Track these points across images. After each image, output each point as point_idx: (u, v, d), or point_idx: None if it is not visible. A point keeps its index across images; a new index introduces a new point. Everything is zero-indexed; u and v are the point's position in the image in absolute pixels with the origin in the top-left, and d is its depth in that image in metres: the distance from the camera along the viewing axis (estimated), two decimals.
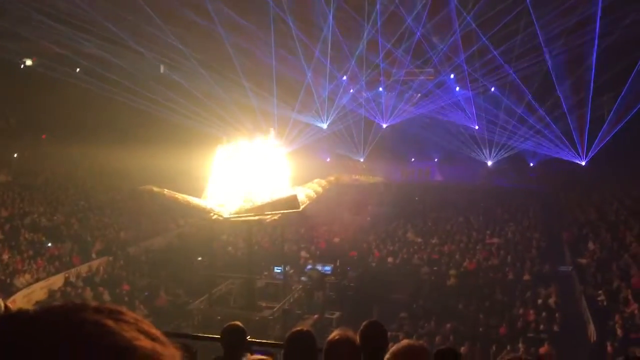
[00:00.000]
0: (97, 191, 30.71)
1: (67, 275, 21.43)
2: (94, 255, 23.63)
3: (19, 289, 19.37)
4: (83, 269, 22.39)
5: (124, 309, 0.74)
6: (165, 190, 19.57)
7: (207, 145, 19.34)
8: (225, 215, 18.16)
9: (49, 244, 23.50)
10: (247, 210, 18.30)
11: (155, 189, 19.70)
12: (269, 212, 18.67)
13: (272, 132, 20.50)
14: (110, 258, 23.68)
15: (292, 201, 18.56)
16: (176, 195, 19.15)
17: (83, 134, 32.64)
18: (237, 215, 18.28)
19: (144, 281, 21.82)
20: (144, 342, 0.69)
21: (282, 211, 18.95)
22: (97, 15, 30.17)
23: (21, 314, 0.69)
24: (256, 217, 18.69)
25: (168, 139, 31.84)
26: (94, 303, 0.74)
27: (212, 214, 18.49)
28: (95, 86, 32.87)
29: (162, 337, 0.73)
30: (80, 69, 35.35)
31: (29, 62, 36.73)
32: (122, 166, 32.73)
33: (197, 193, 19.28)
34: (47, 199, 28.39)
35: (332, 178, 21.73)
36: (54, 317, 0.68)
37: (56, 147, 33.79)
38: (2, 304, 3.13)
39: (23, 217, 25.20)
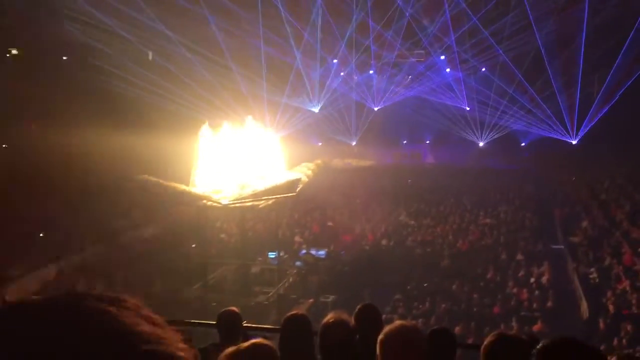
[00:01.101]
0: (88, 179, 30.51)
1: (59, 265, 21.36)
2: (86, 245, 23.54)
3: (12, 280, 19.30)
4: (76, 259, 22.32)
5: (125, 296, 0.78)
6: (161, 180, 19.48)
7: (197, 131, 19.20)
8: (224, 202, 18.10)
9: (41, 235, 23.37)
10: (248, 197, 18.28)
11: (151, 178, 19.58)
12: (266, 198, 18.66)
13: (267, 122, 20.31)
14: (103, 247, 23.60)
15: (294, 185, 18.63)
16: (171, 184, 19.07)
17: (72, 122, 32.30)
18: (236, 201, 18.23)
19: (138, 269, 21.79)
20: (145, 327, 0.72)
21: (279, 196, 18.94)
22: (83, 2, 29.81)
23: (25, 303, 0.72)
24: (252, 203, 18.65)
25: (158, 126, 31.62)
26: (94, 291, 0.77)
27: (209, 202, 18.42)
28: (83, 74, 32.55)
29: (163, 323, 0.77)
30: (66, 57, 34.99)
31: (14, 51, 36.31)
32: (112, 153, 32.53)
33: (186, 180, 19.17)
34: (38, 189, 28.17)
35: (319, 161, 21.64)
36: (57, 306, 0.71)
37: (45, 137, 33.50)
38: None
39: (14, 207, 25.00)
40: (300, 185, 19.66)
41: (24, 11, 29.17)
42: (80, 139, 32.50)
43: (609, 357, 2.53)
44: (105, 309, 0.72)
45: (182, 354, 0.74)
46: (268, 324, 8.10)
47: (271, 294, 18.39)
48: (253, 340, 2.75)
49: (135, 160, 29.55)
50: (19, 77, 34.23)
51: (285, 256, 21.80)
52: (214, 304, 16.16)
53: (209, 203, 18.50)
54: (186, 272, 21.20)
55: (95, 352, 0.66)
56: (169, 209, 28.06)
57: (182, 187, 18.78)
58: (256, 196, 18.37)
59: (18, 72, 34.62)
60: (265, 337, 5.05)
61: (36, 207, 25.66)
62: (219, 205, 18.31)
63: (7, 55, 35.94)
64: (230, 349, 2.66)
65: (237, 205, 18.41)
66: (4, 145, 34.73)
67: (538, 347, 2.29)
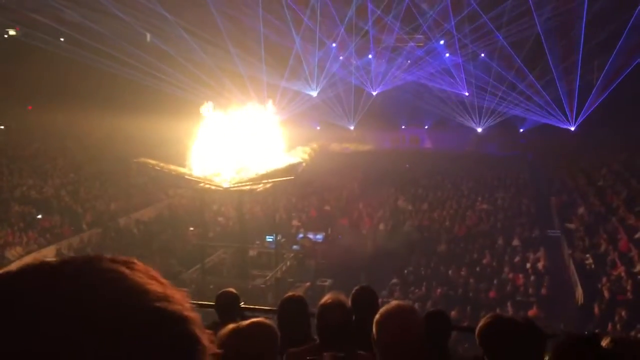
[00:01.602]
0: (86, 162, 30.49)
1: (58, 247, 21.41)
2: (84, 227, 23.58)
3: (10, 262, 19.34)
4: (74, 240, 22.37)
5: (135, 259, 0.83)
6: (161, 163, 19.42)
7: (195, 114, 19.14)
8: (225, 185, 18.10)
9: (40, 216, 23.41)
10: (249, 180, 18.29)
11: (151, 161, 19.54)
12: (266, 181, 18.67)
13: (270, 103, 20.22)
14: (101, 229, 23.66)
15: (295, 169, 18.68)
16: (171, 167, 19.04)
17: (70, 104, 32.20)
18: (238, 185, 18.23)
19: (136, 252, 21.85)
20: (156, 287, 0.77)
21: (279, 179, 18.97)
22: None
23: (43, 264, 0.77)
24: (252, 187, 18.65)
25: (156, 108, 31.54)
26: (108, 255, 0.82)
27: (210, 185, 18.40)
28: (80, 56, 32.37)
29: (170, 285, 0.82)
30: (64, 38, 34.76)
31: (12, 32, 36.08)
32: (111, 136, 32.50)
33: (183, 162, 19.11)
34: (36, 171, 28.17)
35: (315, 145, 21.58)
36: (74, 266, 0.76)
37: (43, 118, 33.42)
38: None
39: (12, 190, 25.04)
40: (301, 169, 19.72)
41: None
42: (78, 120, 32.46)
43: (603, 338, 2.57)
44: (119, 269, 0.77)
45: (189, 313, 0.78)
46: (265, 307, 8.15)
47: (268, 277, 18.47)
48: (253, 319, 2.79)
49: (133, 142, 29.55)
50: (16, 58, 34.06)
51: (283, 240, 21.86)
52: (212, 286, 16.24)
53: (209, 186, 18.49)
54: (184, 254, 21.28)
55: (110, 308, 0.71)
56: (167, 191, 28.09)
57: (182, 169, 18.74)
58: (257, 179, 18.38)
59: (15, 53, 34.44)
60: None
61: (34, 189, 25.67)
62: (220, 188, 18.31)
63: (5, 36, 35.70)
64: (231, 326, 2.70)
65: (238, 188, 18.40)
66: (1, 127, 34.64)
67: (556, 344, 2.34)
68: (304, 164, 20.44)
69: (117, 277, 0.75)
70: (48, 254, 20.84)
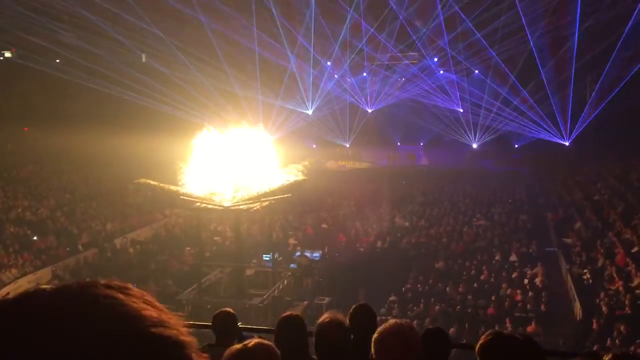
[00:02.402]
0: (81, 183, 30.43)
1: (54, 268, 21.27)
2: (80, 248, 23.45)
3: (5, 284, 19.20)
4: (70, 261, 22.24)
5: (130, 285, 0.83)
6: (160, 183, 19.39)
7: (191, 134, 19.17)
8: (226, 204, 18.06)
9: (35, 238, 23.29)
10: (250, 199, 18.32)
11: (151, 182, 19.48)
12: (265, 199, 18.69)
13: (261, 126, 20.32)
14: (97, 250, 23.54)
15: (300, 185, 18.80)
16: (170, 187, 18.99)
17: (65, 125, 32.23)
18: (239, 203, 18.23)
19: (132, 272, 21.72)
20: (152, 312, 0.78)
21: (279, 197, 19.00)
22: (75, 4, 29.75)
23: (40, 291, 0.78)
24: (251, 205, 18.64)
25: (151, 128, 31.58)
26: (103, 280, 0.82)
27: (210, 205, 18.35)
28: (76, 77, 32.49)
29: (166, 309, 0.82)
30: (60, 60, 34.91)
31: (7, 54, 36.20)
32: (107, 156, 32.47)
33: (180, 182, 19.10)
34: (31, 193, 28.09)
35: (307, 163, 21.53)
36: (70, 293, 0.77)
37: (38, 139, 33.42)
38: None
39: (7, 211, 24.93)
40: (305, 186, 19.88)
41: (17, 14, 29.04)
42: (73, 141, 32.43)
43: (604, 355, 2.56)
44: (114, 294, 0.77)
45: (185, 337, 0.78)
46: (263, 326, 8.10)
47: (266, 296, 18.36)
48: (257, 340, 2.77)
49: (129, 162, 29.53)
50: (11, 80, 34.16)
51: (280, 258, 21.78)
52: (209, 306, 16.14)
53: (209, 206, 18.45)
54: (180, 274, 21.16)
55: (105, 334, 0.71)
56: (164, 211, 28.01)
57: (181, 189, 18.70)
58: (258, 198, 18.43)
59: (11, 75, 34.53)
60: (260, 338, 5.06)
61: (29, 210, 25.57)
62: (221, 207, 18.28)
63: (1, 58, 35.82)
64: (236, 347, 2.69)
65: (238, 207, 18.39)
66: None
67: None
68: (305, 181, 20.54)
69: (113, 303, 0.75)
70: (43, 276, 20.70)
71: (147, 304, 0.79)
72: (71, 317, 0.72)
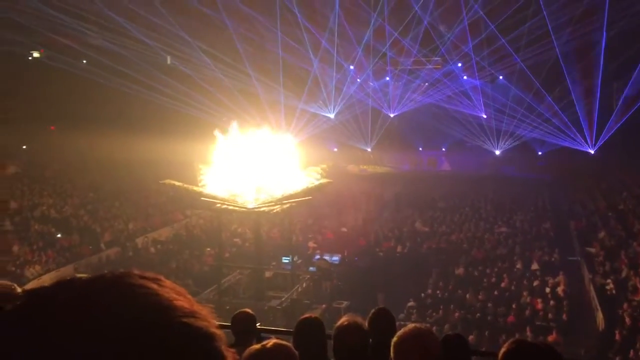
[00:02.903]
0: (105, 182, 30.83)
1: (76, 266, 21.57)
2: (103, 246, 23.76)
3: (29, 280, 19.52)
4: (93, 259, 22.54)
5: (162, 276, 0.84)
6: (185, 184, 19.55)
7: (213, 136, 19.32)
8: (250, 206, 18.15)
9: (59, 235, 23.65)
10: (274, 200, 18.43)
11: (176, 182, 19.64)
12: (289, 201, 18.77)
13: (283, 129, 20.49)
14: (119, 249, 23.82)
15: (325, 187, 18.93)
16: (195, 188, 19.13)
17: (91, 125, 32.70)
18: (263, 205, 18.33)
19: (153, 271, 21.87)
20: (184, 303, 0.79)
21: (299, 199, 19.07)
22: (103, 6, 30.20)
23: (76, 279, 0.79)
24: (271, 207, 18.72)
25: (175, 129, 31.89)
26: (137, 271, 0.84)
27: (234, 206, 18.44)
28: (102, 77, 32.95)
29: (196, 301, 0.83)
30: (87, 61, 35.43)
31: (36, 54, 36.87)
32: (131, 157, 32.83)
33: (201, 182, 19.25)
34: (56, 191, 28.54)
35: (325, 166, 21.45)
36: (105, 282, 0.79)
37: (64, 139, 33.92)
38: (19, 289, 3.18)
39: (33, 209, 25.36)
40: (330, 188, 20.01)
41: (46, 15, 29.57)
42: (98, 141, 32.88)
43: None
44: (148, 284, 0.79)
45: (215, 330, 0.80)
46: (282, 328, 8.11)
47: (284, 298, 18.41)
48: (275, 340, 2.79)
49: (152, 162, 29.81)
50: (39, 80, 34.75)
51: (299, 261, 21.81)
52: (228, 307, 16.21)
53: (233, 207, 18.54)
54: (200, 275, 21.30)
55: (139, 322, 0.73)
56: (185, 211, 28.24)
57: (206, 191, 18.80)
58: (283, 200, 18.54)
59: (39, 75, 35.13)
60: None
61: (54, 208, 25.98)
62: (244, 209, 18.36)
63: (29, 58, 36.47)
64: (255, 347, 2.71)
65: (261, 209, 18.49)
66: (24, 147, 35.22)
67: None
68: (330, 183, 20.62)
69: (146, 293, 0.77)
70: (66, 273, 20.99)
71: (179, 295, 0.80)
72: (106, 305, 0.74)
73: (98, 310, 0.73)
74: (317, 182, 19.62)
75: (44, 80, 34.72)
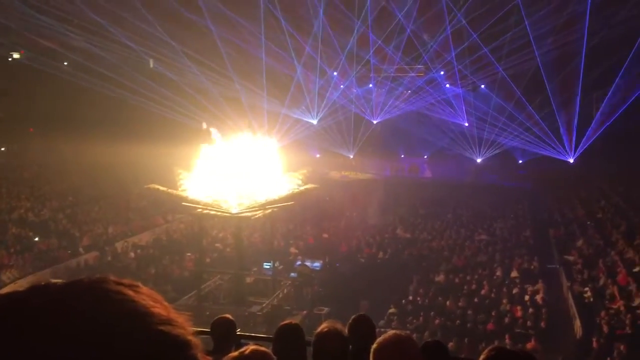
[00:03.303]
0: (85, 186, 30.49)
1: (54, 270, 21.23)
2: (81, 251, 23.45)
3: (5, 284, 19.19)
4: (71, 264, 22.23)
5: (139, 283, 0.83)
6: (169, 189, 19.40)
7: (196, 140, 19.25)
8: (234, 211, 18.04)
9: (37, 239, 23.30)
10: (258, 205, 18.37)
11: (160, 187, 19.47)
12: (272, 206, 18.74)
13: (266, 133, 20.51)
14: (98, 253, 23.53)
15: (310, 192, 18.90)
16: (179, 193, 19.01)
17: (71, 127, 32.37)
18: (247, 210, 18.25)
19: (132, 277, 21.66)
20: (160, 309, 0.78)
21: (280, 204, 19.04)
22: (85, 8, 29.94)
23: (51, 284, 0.78)
24: (254, 213, 18.66)
25: (156, 133, 31.67)
26: (113, 277, 0.83)
27: (218, 212, 18.32)
28: (83, 80, 32.64)
29: (172, 308, 0.83)
30: (68, 63, 35.08)
31: (16, 55, 36.41)
32: (111, 160, 32.54)
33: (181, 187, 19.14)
34: (34, 194, 28.15)
35: (305, 171, 21.39)
36: (81, 287, 0.78)
37: (44, 141, 33.53)
38: None
39: (10, 212, 24.98)
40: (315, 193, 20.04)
41: (27, 16, 29.23)
42: (78, 144, 32.55)
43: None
44: (124, 291, 0.78)
45: (192, 338, 0.80)
46: (262, 335, 8.07)
47: (265, 304, 18.31)
48: (254, 347, 2.77)
49: (133, 166, 29.58)
50: (19, 81, 34.34)
51: (280, 267, 21.73)
52: (208, 313, 16.08)
53: (218, 212, 18.44)
54: (180, 280, 21.12)
55: (114, 329, 0.72)
56: (166, 216, 28.02)
57: (189, 196, 18.68)
58: (266, 205, 18.50)
59: (19, 76, 34.72)
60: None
61: (31, 211, 25.61)
62: (228, 214, 18.27)
63: (9, 59, 36.01)
64: (233, 354, 2.68)
65: (245, 214, 18.41)
66: (2, 149, 34.74)
67: None
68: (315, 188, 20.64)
69: (122, 299, 0.76)
70: (43, 277, 20.67)
71: (156, 302, 0.80)
72: (80, 311, 0.73)
73: (72, 315, 0.72)
74: (302, 187, 19.62)
75: (23, 81, 34.30)
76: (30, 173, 31.32)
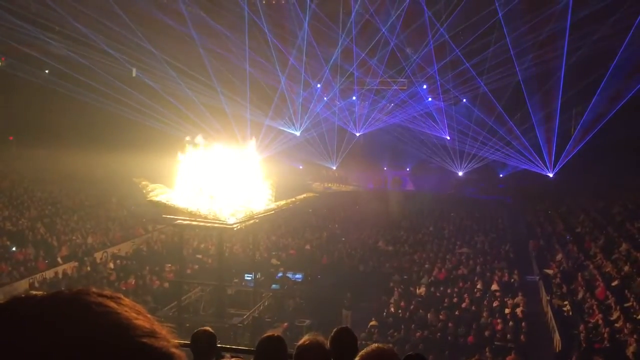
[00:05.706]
0: (64, 195, 30.11)
1: (31, 280, 20.92)
2: (60, 261, 23.10)
3: None
4: (49, 274, 21.88)
5: (121, 295, 0.82)
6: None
7: (178, 150, 19.10)
8: (230, 222, 17.82)
9: (14, 249, 22.92)
10: (255, 214, 18.37)
11: (154, 198, 19.21)
12: (257, 217, 18.74)
13: (254, 142, 20.46)
14: (77, 264, 23.19)
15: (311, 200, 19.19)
16: (172, 204, 18.73)
17: (51, 136, 32.03)
18: (245, 220, 18.18)
19: (111, 287, 21.41)
20: (143, 321, 0.77)
21: (262, 214, 19.06)
22: (67, 16, 29.76)
23: (31, 296, 0.77)
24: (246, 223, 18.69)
25: (138, 142, 31.44)
26: (95, 289, 0.82)
27: (215, 223, 18.09)
28: (64, 88, 32.34)
29: (155, 320, 0.82)
30: (49, 71, 34.77)
31: None
32: (92, 169, 32.22)
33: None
34: (12, 203, 27.72)
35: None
36: (62, 300, 0.76)
37: (23, 150, 33.10)
38: None
39: None
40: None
41: (7, 23, 28.95)
42: (58, 152, 32.18)
43: None
44: (106, 302, 0.77)
45: (174, 350, 0.79)
46: (242, 347, 8.00)
47: (246, 316, 18.19)
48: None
49: (114, 176, 29.30)
50: None
51: (262, 278, 21.61)
52: (188, 325, 15.92)
53: (214, 224, 18.22)
54: (160, 291, 20.89)
55: (97, 342, 0.71)
56: (147, 226, 27.76)
57: (188, 208, 18.43)
58: (263, 214, 18.59)
59: None
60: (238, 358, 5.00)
61: (9, 221, 25.23)
62: (226, 226, 18.07)
63: None
64: None
65: (244, 224, 18.37)
66: None
67: None
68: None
69: (105, 311, 0.75)
70: (20, 288, 20.33)
71: (139, 314, 0.79)
72: (62, 323, 0.71)
73: (53, 329, 0.71)
74: (302, 195, 19.81)
75: (3, 89, 33.90)
76: (9, 182, 30.85)
